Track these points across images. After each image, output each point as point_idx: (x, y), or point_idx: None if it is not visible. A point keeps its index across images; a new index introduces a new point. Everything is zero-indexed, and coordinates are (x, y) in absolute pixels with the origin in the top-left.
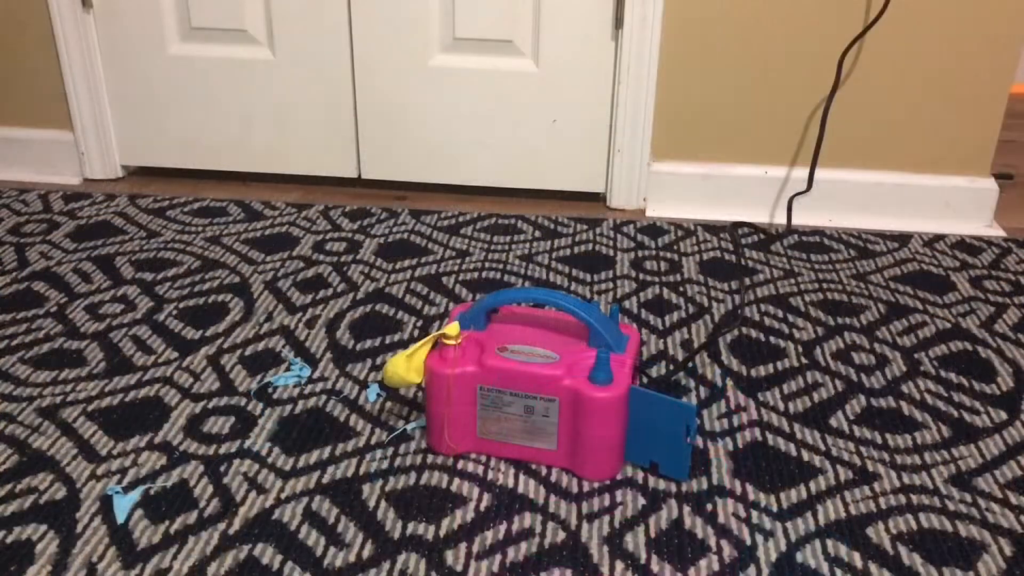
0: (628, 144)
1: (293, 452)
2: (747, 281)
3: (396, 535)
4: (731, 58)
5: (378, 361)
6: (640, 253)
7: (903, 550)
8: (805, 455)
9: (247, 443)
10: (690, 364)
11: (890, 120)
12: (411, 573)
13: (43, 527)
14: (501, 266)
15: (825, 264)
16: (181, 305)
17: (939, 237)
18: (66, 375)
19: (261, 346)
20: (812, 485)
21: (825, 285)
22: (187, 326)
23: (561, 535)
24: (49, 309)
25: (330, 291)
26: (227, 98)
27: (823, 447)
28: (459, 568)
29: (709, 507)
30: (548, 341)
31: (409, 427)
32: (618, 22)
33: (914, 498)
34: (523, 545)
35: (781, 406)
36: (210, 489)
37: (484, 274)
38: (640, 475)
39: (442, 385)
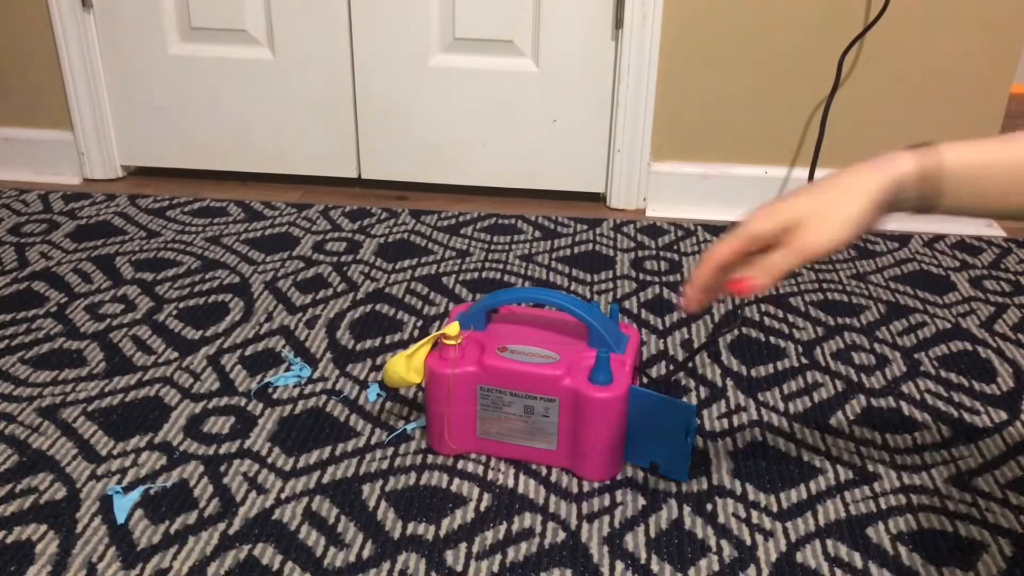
0: (628, 144)
1: (293, 452)
2: None
3: (396, 535)
4: (731, 58)
5: (378, 361)
6: (640, 253)
7: (903, 550)
8: (805, 455)
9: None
10: (690, 364)
11: (890, 120)
12: (411, 573)
13: (43, 527)
14: (501, 266)
15: (825, 264)
16: (181, 305)
17: (939, 237)
18: (66, 375)
19: (261, 346)
20: (812, 485)
21: (825, 285)
22: (187, 326)
23: (561, 535)
24: (49, 309)
25: (330, 291)
26: (227, 98)
27: (823, 447)
28: (459, 568)
29: (709, 507)
30: (548, 341)
31: (409, 427)
32: (618, 22)
33: (914, 498)
34: (523, 545)
35: (781, 406)
36: (210, 489)
37: (484, 274)
38: (640, 475)
39: (442, 385)
